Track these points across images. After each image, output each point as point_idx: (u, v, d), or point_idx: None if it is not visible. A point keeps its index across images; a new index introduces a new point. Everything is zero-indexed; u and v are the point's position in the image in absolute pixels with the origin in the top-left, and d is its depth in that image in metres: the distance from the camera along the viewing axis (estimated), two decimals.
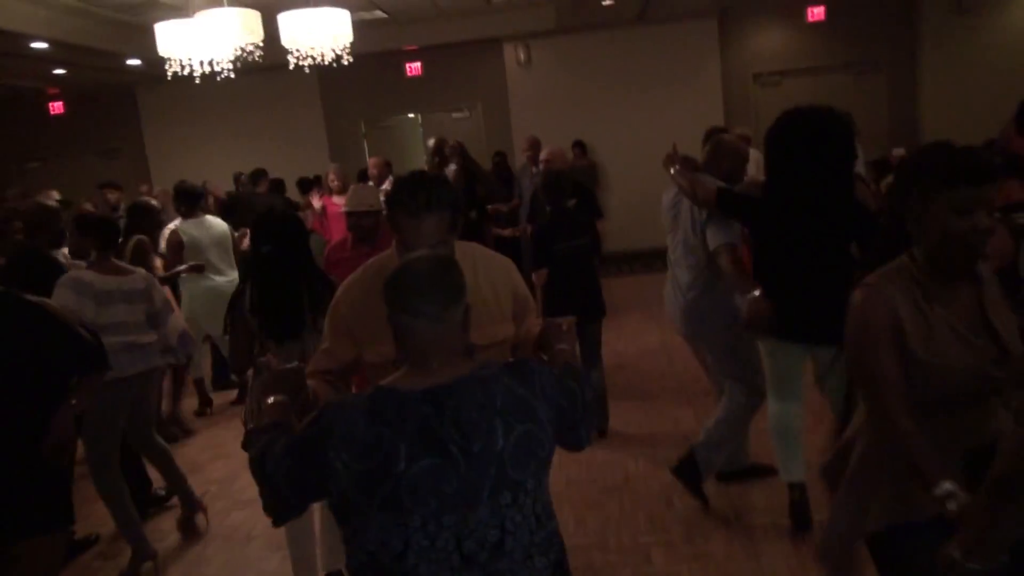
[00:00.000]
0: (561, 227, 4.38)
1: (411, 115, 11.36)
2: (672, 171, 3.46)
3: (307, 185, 7.97)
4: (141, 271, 3.73)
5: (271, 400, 1.63)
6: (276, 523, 1.50)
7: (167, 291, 4.42)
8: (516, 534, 1.41)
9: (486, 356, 1.67)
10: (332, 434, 1.35)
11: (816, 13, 10.22)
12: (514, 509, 1.41)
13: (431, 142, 6.42)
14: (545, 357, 1.81)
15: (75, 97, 11.29)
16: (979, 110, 9.56)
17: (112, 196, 7.19)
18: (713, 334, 3.50)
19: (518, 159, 8.86)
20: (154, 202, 5.34)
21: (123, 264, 3.73)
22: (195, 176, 7.59)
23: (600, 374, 4.52)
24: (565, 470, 4.05)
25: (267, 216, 3.15)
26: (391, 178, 6.16)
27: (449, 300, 1.43)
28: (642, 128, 10.18)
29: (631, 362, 5.84)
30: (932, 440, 1.63)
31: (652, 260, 9.73)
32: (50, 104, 11.35)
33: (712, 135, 6.22)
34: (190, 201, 5.42)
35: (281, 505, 1.45)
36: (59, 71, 9.61)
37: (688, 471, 3.49)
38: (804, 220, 2.95)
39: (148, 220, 4.97)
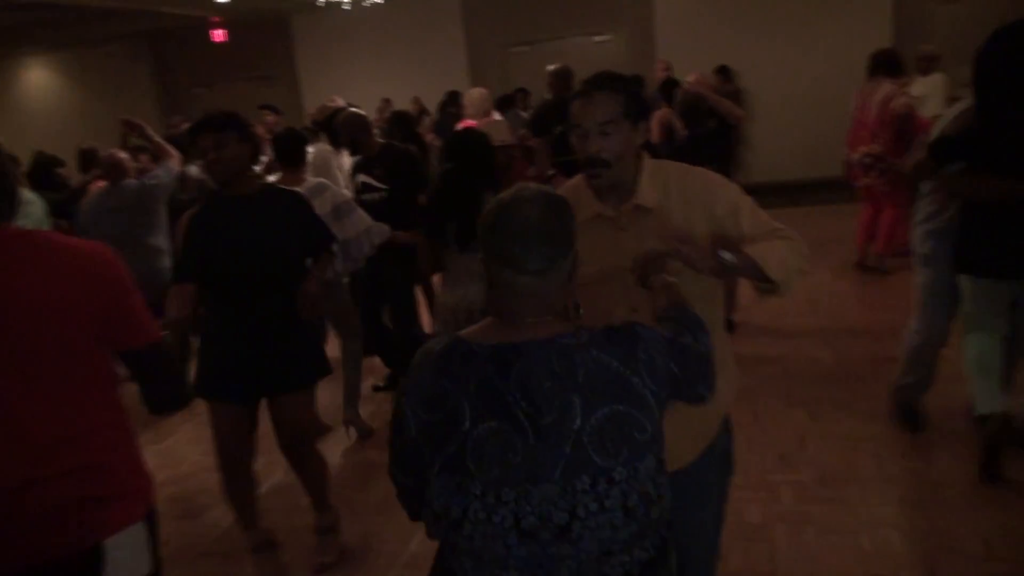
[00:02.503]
0: (696, 152, 4.20)
1: (553, 40, 11.12)
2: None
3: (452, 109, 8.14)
4: (311, 181, 3.82)
5: None
6: (410, 515, 1.44)
7: None
8: (589, 524, 1.21)
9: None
10: (410, 377, 1.33)
11: None
12: (591, 497, 1.21)
13: (550, 68, 5.35)
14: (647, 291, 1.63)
15: (235, 25, 11.88)
16: None
17: (270, 119, 7.53)
18: None
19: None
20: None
21: (304, 177, 3.88)
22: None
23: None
24: None
25: (456, 137, 3.69)
26: (496, 113, 5.99)
27: (557, 253, 1.26)
28: (797, 51, 9.48)
29: (770, 299, 5.60)
30: None
31: (799, 193, 9.22)
32: (212, 32, 12.01)
33: (881, 57, 5.73)
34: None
35: (405, 479, 1.37)
36: None
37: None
38: (1016, 148, 2.68)
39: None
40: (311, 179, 3.89)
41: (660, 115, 5.62)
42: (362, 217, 3.85)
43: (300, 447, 2.91)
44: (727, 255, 1.64)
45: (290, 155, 3.89)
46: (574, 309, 1.34)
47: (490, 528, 1.21)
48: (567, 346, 1.25)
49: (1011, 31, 2.67)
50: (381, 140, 4.61)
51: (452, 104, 8.39)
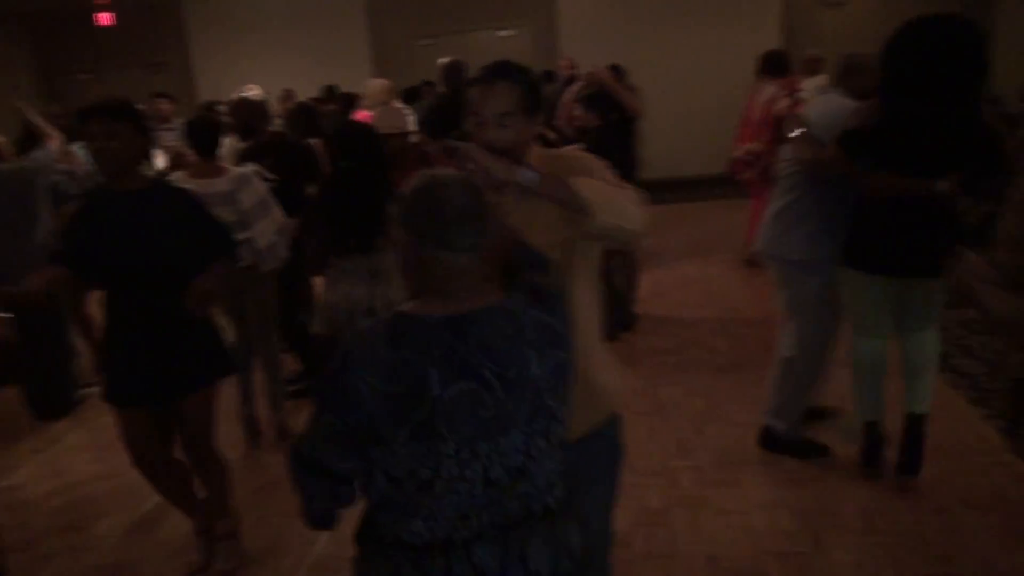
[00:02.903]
0: (599, 144, 4.29)
1: (458, 33, 11.10)
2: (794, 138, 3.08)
3: (351, 103, 7.94)
4: (235, 172, 3.65)
5: None
6: (315, 520, 1.43)
7: None
8: (539, 460, 1.39)
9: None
10: (352, 358, 1.32)
11: None
12: (542, 436, 1.39)
13: (442, 61, 5.26)
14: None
15: (123, 9, 11.28)
16: None
17: (165, 107, 7.20)
18: None
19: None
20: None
21: (222, 166, 3.68)
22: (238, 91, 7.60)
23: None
24: None
25: (345, 131, 3.27)
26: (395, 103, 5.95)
27: (483, 229, 1.38)
28: (693, 52, 9.82)
29: (668, 291, 5.81)
30: None
31: (692, 188, 9.57)
32: (98, 15, 11.36)
33: (771, 59, 6.00)
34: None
35: (340, 463, 1.36)
36: None
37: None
38: (920, 144, 2.70)
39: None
40: (235, 169, 3.70)
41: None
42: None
43: (200, 449, 2.81)
44: (528, 173, 1.61)
45: (205, 143, 3.65)
46: (489, 277, 1.44)
47: (462, 483, 1.32)
48: (511, 310, 1.38)
49: (915, 27, 2.65)
50: (278, 130, 4.51)
51: (331, 100, 8.08)
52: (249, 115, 4.18)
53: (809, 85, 6.63)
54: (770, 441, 3.38)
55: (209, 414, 2.79)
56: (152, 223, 2.55)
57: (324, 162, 4.50)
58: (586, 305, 1.80)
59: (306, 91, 8.88)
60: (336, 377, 1.33)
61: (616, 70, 5.55)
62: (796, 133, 2.99)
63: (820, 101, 3.13)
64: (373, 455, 1.33)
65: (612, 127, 4.66)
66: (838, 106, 3.00)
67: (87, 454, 3.95)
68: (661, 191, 9.44)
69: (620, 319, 4.91)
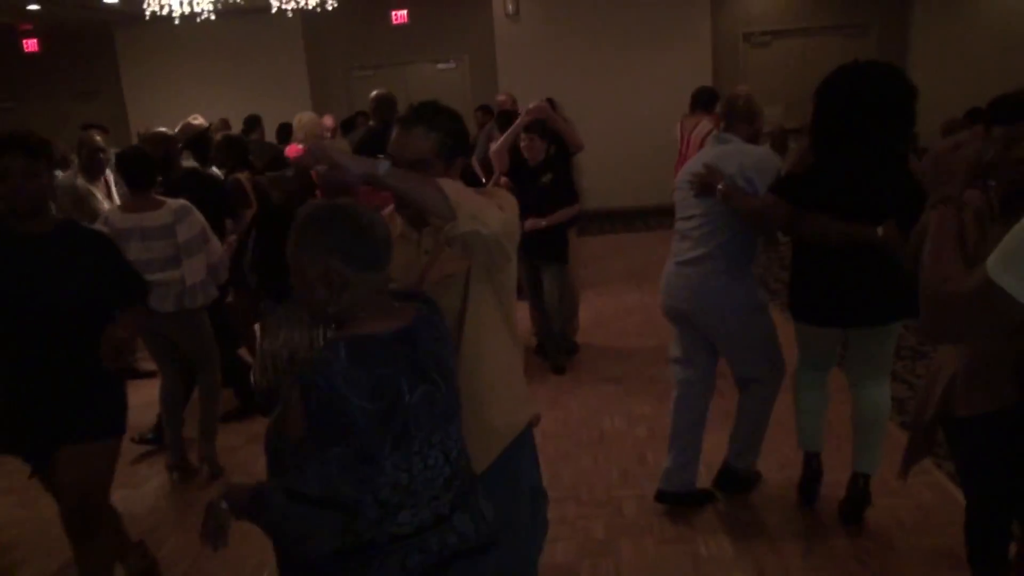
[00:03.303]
0: (535, 178, 4.38)
1: (397, 65, 11.15)
2: (720, 191, 2.94)
3: (288, 133, 7.85)
4: (173, 204, 3.54)
5: None
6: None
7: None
8: (464, 436, 1.62)
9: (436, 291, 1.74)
10: (335, 385, 1.32)
11: None
12: (461, 417, 1.60)
13: (373, 94, 5.19)
14: None
15: (50, 34, 10.97)
16: (966, 78, 9.57)
17: (97, 138, 6.98)
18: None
19: None
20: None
21: (160, 199, 3.56)
22: (173, 121, 7.46)
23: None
24: (541, 425, 4.10)
25: (275, 167, 3.15)
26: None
27: (392, 249, 1.52)
28: (629, 86, 10.08)
29: (609, 320, 5.88)
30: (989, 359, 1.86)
31: (630, 219, 9.76)
32: (24, 41, 11.02)
33: (702, 94, 6.22)
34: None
35: (333, 528, 1.41)
36: (33, 6, 9.32)
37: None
38: (851, 193, 2.68)
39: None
40: (174, 201, 3.59)
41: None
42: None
43: (84, 517, 2.45)
44: (384, 164, 1.55)
45: (135, 175, 3.53)
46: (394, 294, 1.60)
47: (430, 473, 1.48)
48: (430, 319, 1.56)
49: (845, 75, 2.69)
50: (190, 166, 4.51)
51: (253, 130, 7.99)
52: (165, 148, 4.10)
53: None
54: (730, 483, 3.30)
55: (98, 475, 2.49)
56: (58, 268, 2.38)
57: (250, 197, 4.45)
58: (489, 342, 1.84)
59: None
60: (327, 408, 1.33)
61: (551, 103, 5.65)
62: (720, 187, 2.91)
63: (731, 151, 3.03)
64: (361, 479, 1.40)
65: (548, 161, 4.75)
66: (762, 155, 3.05)
67: (11, 497, 3.75)
68: (600, 222, 9.66)
69: (556, 355, 4.95)
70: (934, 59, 10.00)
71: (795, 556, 2.88)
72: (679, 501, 3.21)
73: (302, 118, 6.09)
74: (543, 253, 4.71)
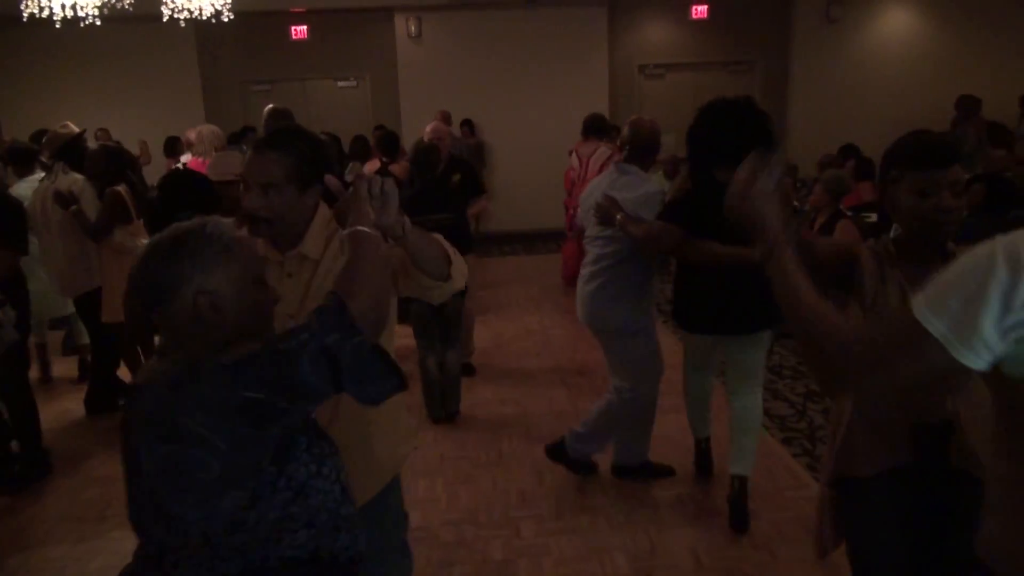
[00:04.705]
0: (422, 200, 4.22)
1: (296, 81, 10.94)
2: (619, 221, 3.20)
3: (175, 146, 7.54)
4: None
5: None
6: None
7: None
8: None
9: None
10: (192, 411, 1.25)
11: (700, 11, 10.61)
12: None
13: (268, 108, 4.93)
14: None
15: None
16: (841, 113, 10.31)
17: None
18: None
19: (405, 134, 8.73)
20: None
21: None
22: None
23: (457, 354, 4.53)
24: (439, 446, 4.08)
25: (184, 180, 3.03)
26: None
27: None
28: (529, 111, 10.26)
29: (509, 341, 5.92)
30: (884, 414, 1.82)
31: (532, 241, 9.91)
32: None
33: (594, 122, 6.42)
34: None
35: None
36: None
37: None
38: (715, 213, 2.93)
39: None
40: None
41: (400, 167, 5.82)
42: None
43: None
44: (407, 220, 1.60)
45: None
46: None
47: (323, 480, 1.40)
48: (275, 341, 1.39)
49: (710, 109, 3.00)
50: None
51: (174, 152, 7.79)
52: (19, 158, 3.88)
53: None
54: (624, 471, 3.68)
55: None
56: None
57: (130, 212, 4.25)
58: None
59: (136, 133, 8.39)
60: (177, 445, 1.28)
61: (468, 125, 5.73)
62: (619, 216, 3.17)
63: (628, 183, 3.33)
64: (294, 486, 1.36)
65: (435, 185, 4.58)
66: (652, 188, 3.38)
67: None
68: (500, 244, 9.76)
69: (448, 406, 4.51)
70: (811, 96, 10.70)
71: (685, 570, 2.97)
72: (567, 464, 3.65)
73: (202, 130, 5.89)
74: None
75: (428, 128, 5.17)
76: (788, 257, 1.34)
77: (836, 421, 1.99)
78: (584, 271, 3.52)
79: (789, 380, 4.89)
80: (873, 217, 5.63)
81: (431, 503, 3.54)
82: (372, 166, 6.16)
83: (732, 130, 2.90)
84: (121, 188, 4.29)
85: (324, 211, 1.83)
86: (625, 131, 3.47)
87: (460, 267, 1.76)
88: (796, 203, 6.57)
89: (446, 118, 8.71)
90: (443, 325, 4.44)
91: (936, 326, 1.05)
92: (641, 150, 3.39)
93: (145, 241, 4.05)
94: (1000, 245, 1.05)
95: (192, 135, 6.00)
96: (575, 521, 3.34)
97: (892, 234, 1.94)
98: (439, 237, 1.73)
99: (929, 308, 1.07)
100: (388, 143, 6.23)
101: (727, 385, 3.39)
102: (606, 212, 3.25)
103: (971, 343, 1.04)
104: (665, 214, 3.13)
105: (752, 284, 2.83)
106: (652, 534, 3.23)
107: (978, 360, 1.05)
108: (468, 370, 5.16)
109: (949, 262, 1.71)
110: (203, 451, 1.24)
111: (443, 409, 4.46)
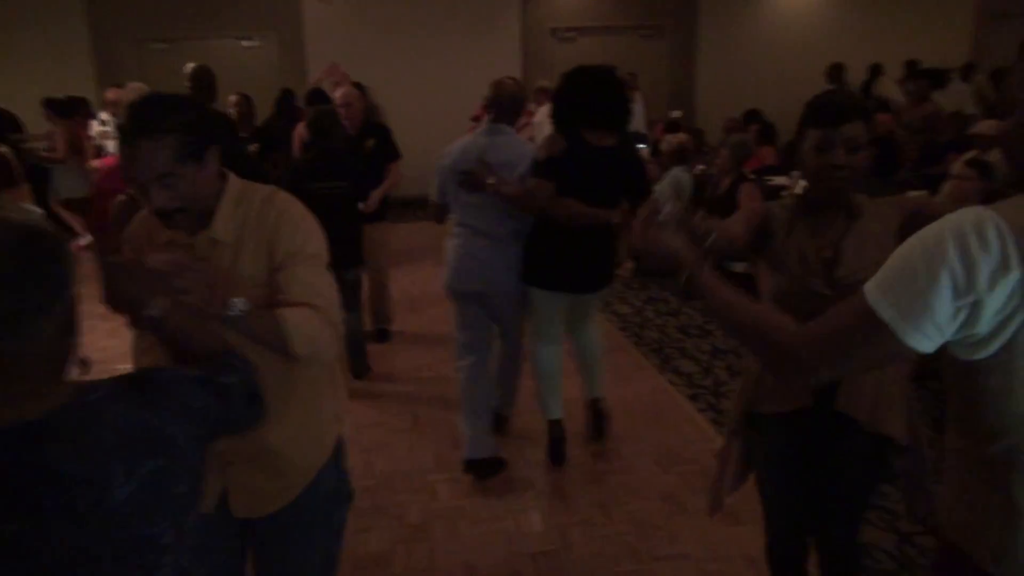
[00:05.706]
0: (318, 167, 4.12)
1: (196, 40, 10.42)
2: (491, 185, 3.22)
3: (59, 108, 7.01)
4: None
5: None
6: None
7: None
8: None
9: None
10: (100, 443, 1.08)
11: None
12: None
13: (188, 68, 4.59)
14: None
15: None
16: (747, 78, 10.58)
17: None
18: None
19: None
20: None
21: None
22: None
23: (357, 317, 4.48)
24: (354, 415, 4.05)
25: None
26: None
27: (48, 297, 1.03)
28: (441, 75, 10.11)
29: (422, 307, 5.91)
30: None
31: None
32: None
33: (499, 85, 6.36)
34: None
35: None
36: None
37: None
38: (582, 173, 3.16)
39: None
40: None
41: (298, 130, 5.65)
42: None
43: None
44: (240, 303, 1.49)
45: None
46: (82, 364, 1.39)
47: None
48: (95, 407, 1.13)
49: (572, 75, 3.26)
50: None
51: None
52: None
53: (540, 113, 7.15)
54: (481, 467, 3.43)
55: None
56: None
57: (15, 175, 3.99)
58: (279, 372, 1.63)
59: (18, 96, 7.84)
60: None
61: (359, 87, 5.53)
62: (490, 180, 3.19)
63: (506, 141, 3.34)
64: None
65: (330, 152, 4.41)
66: (527, 147, 3.41)
67: None
68: (413, 209, 9.64)
69: (359, 363, 4.59)
70: (718, 62, 10.94)
71: (596, 525, 3.08)
72: (488, 467, 3.43)
73: (128, 94, 5.28)
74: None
75: (338, 93, 5.04)
76: (707, 276, 1.37)
77: (746, 368, 2.15)
78: (473, 240, 3.41)
79: (696, 338, 5.06)
80: (775, 180, 5.85)
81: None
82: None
83: (595, 94, 3.17)
84: (4, 149, 4.03)
85: (235, 184, 1.68)
86: (489, 92, 3.47)
87: (303, 329, 1.57)
88: (703, 166, 6.76)
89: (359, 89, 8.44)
90: (344, 293, 4.40)
91: (887, 311, 1.06)
92: (507, 109, 3.41)
93: (30, 207, 3.85)
94: (948, 230, 1.05)
95: (113, 95, 5.57)
96: (491, 483, 3.39)
97: (799, 189, 2.09)
98: (281, 311, 1.57)
99: (880, 293, 1.08)
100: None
101: (570, 327, 3.59)
102: (475, 179, 3.22)
103: (922, 327, 1.05)
104: (539, 171, 3.17)
105: (604, 244, 3.35)
106: (561, 493, 3.32)
107: (929, 343, 1.07)
108: (384, 336, 5.13)
109: (854, 215, 1.85)
110: (180, 464, 1.12)
111: (352, 370, 4.55)
